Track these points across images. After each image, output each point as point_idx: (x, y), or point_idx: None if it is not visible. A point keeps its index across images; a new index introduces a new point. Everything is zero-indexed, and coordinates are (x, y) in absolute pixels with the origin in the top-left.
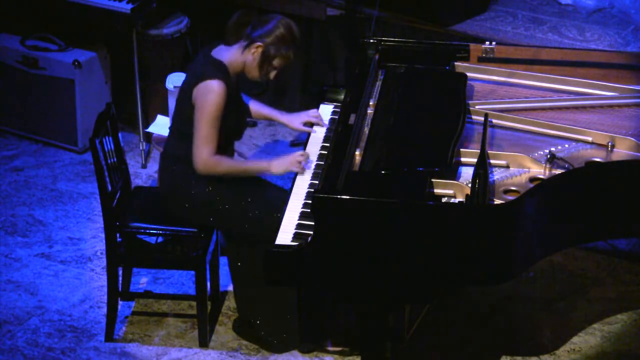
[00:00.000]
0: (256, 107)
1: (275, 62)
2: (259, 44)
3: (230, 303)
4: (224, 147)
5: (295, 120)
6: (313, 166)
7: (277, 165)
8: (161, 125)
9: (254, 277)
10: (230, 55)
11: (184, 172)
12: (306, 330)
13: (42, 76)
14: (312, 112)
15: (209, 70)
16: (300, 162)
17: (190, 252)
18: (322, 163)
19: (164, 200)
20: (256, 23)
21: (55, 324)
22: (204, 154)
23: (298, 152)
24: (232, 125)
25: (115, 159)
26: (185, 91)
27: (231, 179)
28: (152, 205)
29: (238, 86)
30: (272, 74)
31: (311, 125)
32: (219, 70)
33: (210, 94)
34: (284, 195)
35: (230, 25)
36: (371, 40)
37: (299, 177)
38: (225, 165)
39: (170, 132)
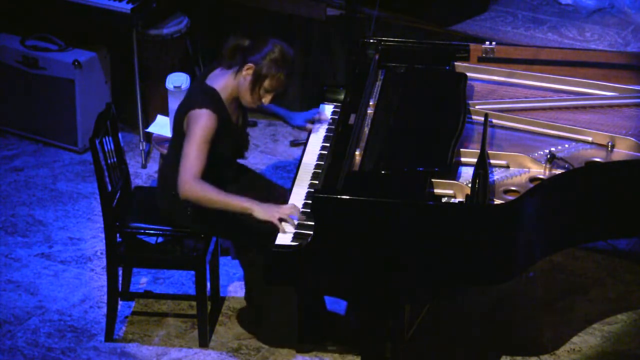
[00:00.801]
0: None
1: (267, 84)
2: (250, 65)
3: (230, 303)
4: (224, 168)
5: (297, 117)
6: (313, 166)
7: (261, 211)
8: (161, 125)
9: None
10: (224, 81)
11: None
12: (306, 330)
13: (42, 76)
14: (313, 112)
15: (199, 100)
16: (283, 219)
17: (190, 252)
18: (322, 163)
19: (164, 219)
20: (250, 47)
21: (55, 324)
22: (187, 177)
23: (287, 206)
24: (228, 151)
25: (115, 159)
26: (178, 119)
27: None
28: (152, 205)
29: (242, 108)
30: (266, 98)
31: (312, 122)
32: (210, 98)
33: (199, 121)
34: (284, 195)
35: (225, 49)
36: (371, 40)
37: (298, 177)
38: (208, 193)
39: (167, 154)
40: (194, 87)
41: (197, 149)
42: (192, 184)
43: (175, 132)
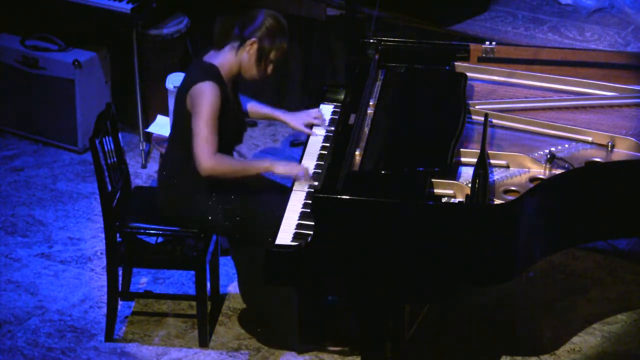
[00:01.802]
0: (256, 107)
1: (272, 56)
2: (253, 39)
3: (230, 303)
4: (225, 152)
5: (297, 120)
6: (313, 166)
7: (281, 167)
8: (161, 125)
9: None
10: (222, 58)
11: (184, 183)
12: (306, 330)
13: (42, 76)
14: (314, 112)
15: (200, 74)
16: (303, 173)
17: (190, 252)
18: (322, 163)
19: (163, 211)
20: (243, 22)
21: (55, 324)
22: (206, 154)
23: (303, 165)
24: (230, 129)
25: (115, 159)
26: (180, 99)
27: (231, 186)
28: (152, 205)
29: (235, 90)
30: (270, 69)
31: (311, 127)
32: (210, 73)
33: (204, 95)
34: (284, 196)
35: (216, 31)
36: (371, 40)
37: None
38: (228, 163)
39: (169, 142)
40: (192, 67)
41: (208, 124)
42: (211, 160)
43: (176, 114)
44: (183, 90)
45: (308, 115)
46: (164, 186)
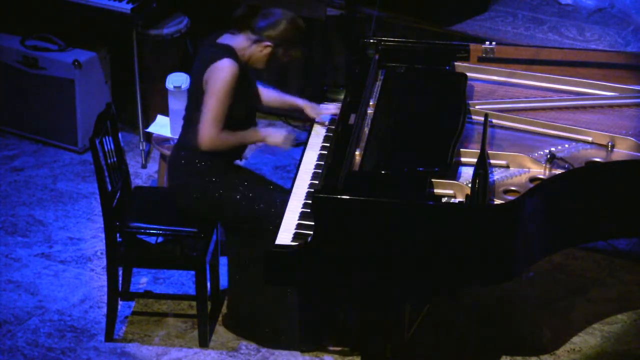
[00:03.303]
0: (272, 94)
1: (282, 59)
2: (267, 43)
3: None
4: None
5: (314, 111)
6: (313, 166)
7: (272, 138)
8: (161, 125)
9: (255, 275)
10: (237, 42)
11: (191, 158)
12: (306, 330)
13: (42, 76)
14: (332, 107)
15: (219, 52)
16: (290, 140)
17: (190, 252)
18: (322, 163)
19: (175, 192)
20: (264, 19)
21: (55, 324)
22: (212, 132)
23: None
24: (244, 110)
25: (115, 159)
26: (196, 80)
27: (236, 173)
28: (152, 205)
29: (248, 73)
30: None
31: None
32: (229, 52)
33: (222, 72)
34: (284, 196)
35: (237, 16)
36: (371, 40)
37: (298, 177)
38: (225, 138)
39: (183, 123)
40: (205, 47)
41: (220, 102)
42: (215, 138)
43: (192, 95)
44: (200, 69)
45: (327, 110)
46: (178, 165)
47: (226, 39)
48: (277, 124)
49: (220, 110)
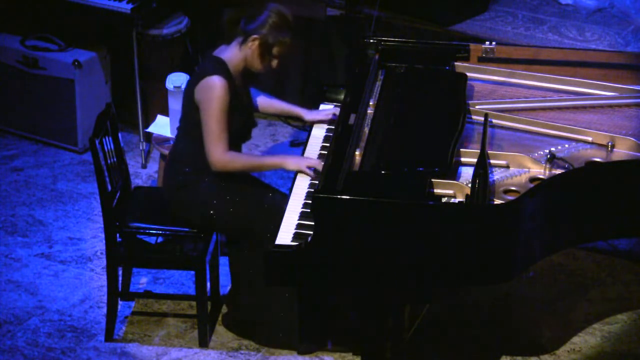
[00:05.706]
0: (269, 102)
1: (275, 50)
2: (255, 36)
3: None
4: (233, 148)
5: (313, 116)
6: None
7: (292, 162)
8: (161, 125)
9: (255, 277)
10: (229, 53)
11: (191, 173)
12: (306, 330)
13: (42, 76)
14: (331, 110)
15: (208, 68)
16: (313, 170)
17: (190, 252)
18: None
19: (169, 202)
20: (248, 17)
21: (55, 324)
22: (219, 151)
23: (313, 159)
24: (239, 124)
25: (115, 159)
26: (188, 93)
27: (236, 181)
28: (152, 205)
29: (246, 85)
30: (274, 63)
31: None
32: (218, 67)
33: (212, 90)
34: (284, 197)
35: (223, 25)
36: (371, 40)
37: (298, 177)
38: (240, 160)
39: (177, 135)
40: (203, 61)
41: (217, 120)
42: (224, 157)
43: (185, 106)
44: (192, 83)
45: (326, 114)
46: (171, 175)
47: (221, 51)
48: (277, 124)
49: (219, 128)
